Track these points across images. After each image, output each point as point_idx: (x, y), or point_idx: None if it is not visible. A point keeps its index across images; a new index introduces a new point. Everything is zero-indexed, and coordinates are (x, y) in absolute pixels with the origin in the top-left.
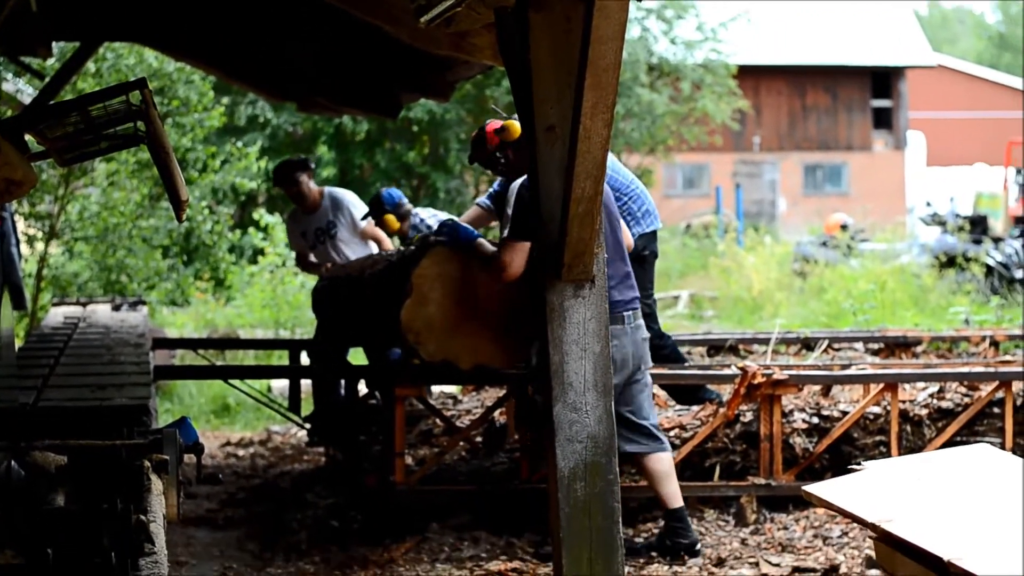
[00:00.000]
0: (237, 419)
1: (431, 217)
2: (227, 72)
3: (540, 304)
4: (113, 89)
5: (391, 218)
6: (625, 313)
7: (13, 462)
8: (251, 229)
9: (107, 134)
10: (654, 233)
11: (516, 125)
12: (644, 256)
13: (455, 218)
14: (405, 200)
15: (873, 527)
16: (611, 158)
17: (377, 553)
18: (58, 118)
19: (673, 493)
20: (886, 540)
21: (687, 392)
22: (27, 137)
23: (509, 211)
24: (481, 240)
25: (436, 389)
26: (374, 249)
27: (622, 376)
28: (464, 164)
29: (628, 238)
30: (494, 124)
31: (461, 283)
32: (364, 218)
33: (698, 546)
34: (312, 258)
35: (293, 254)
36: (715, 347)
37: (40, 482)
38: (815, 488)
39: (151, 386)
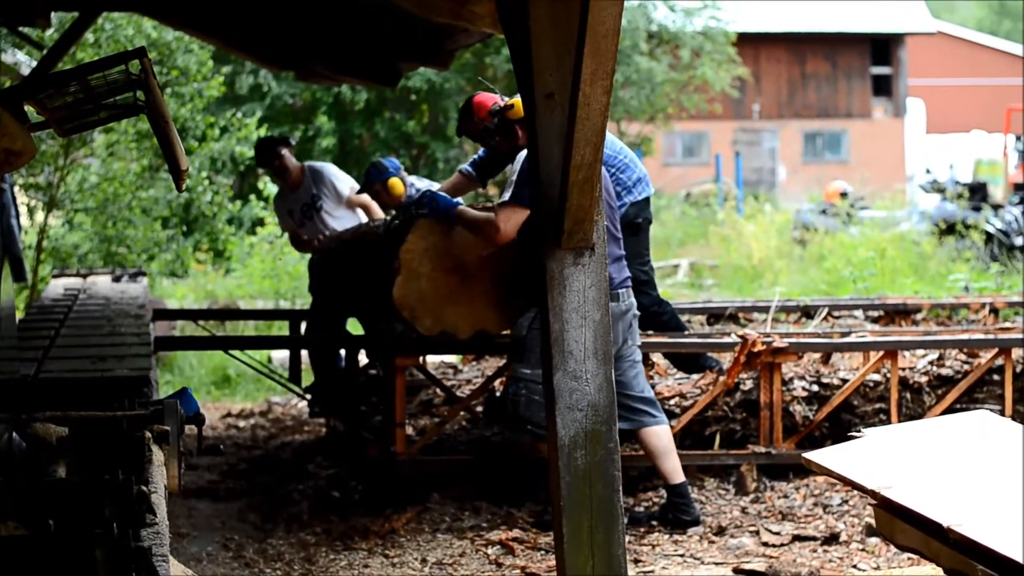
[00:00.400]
0: (238, 390)
1: (426, 188)
2: (226, 41)
3: (540, 272)
4: (112, 59)
5: (396, 182)
6: (620, 291)
7: (14, 434)
8: (252, 197)
9: (107, 104)
10: (647, 200)
11: (519, 103)
12: (638, 224)
13: (433, 188)
14: (402, 169)
15: (873, 494)
16: None
17: (378, 523)
18: (57, 88)
19: (673, 468)
20: (886, 507)
21: (688, 360)
22: (26, 107)
23: (513, 177)
24: (463, 208)
25: (436, 359)
26: (363, 218)
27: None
28: None
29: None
30: (482, 97)
31: (449, 253)
32: (364, 188)
33: (699, 522)
34: (304, 236)
35: (286, 236)
36: (715, 315)
37: (41, 453)
38: (815, 455)
39: (152, 357)
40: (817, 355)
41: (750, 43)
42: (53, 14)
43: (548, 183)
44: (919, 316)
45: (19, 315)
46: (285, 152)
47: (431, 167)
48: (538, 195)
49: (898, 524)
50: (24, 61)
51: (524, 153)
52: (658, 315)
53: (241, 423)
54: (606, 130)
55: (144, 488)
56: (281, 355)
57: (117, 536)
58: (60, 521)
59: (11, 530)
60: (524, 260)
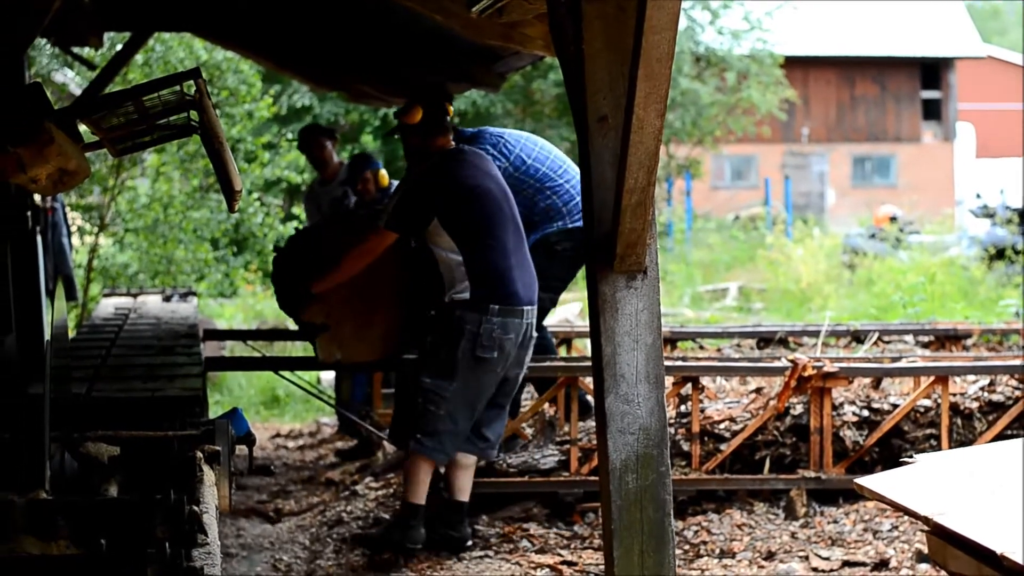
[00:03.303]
0: (287, 410)
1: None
2: (276, 61)
3: (592, 295)
4: (167, 79)
5: (384, 174)
6: (525, 308)
7: (66, 453)
8: (296, 223)
9: (160, 124)
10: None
11: (418, 109)
12: (556, 250)
13: None
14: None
15: (925, 520)
16: (546, 145)
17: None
18: (112, 108)
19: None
20: (938, 533)
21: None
22: (81, 127)
23: (395, 198)
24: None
25: None
26: None
27: (503, 369)
28: None
29: None
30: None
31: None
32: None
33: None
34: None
35: None
36: (765, 339)
37: (93, 472)
38: (867, 481)
39: (202, 377)
40: (867, 380)
41: (799, 66)
42: (105, 34)
43: (600, 206)
44: (969, 342)
45: (71, 334)
46: (328, 144)
47: None
48: (590, 218)
49: (951, 551)
50: (72, 79)
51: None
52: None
53: (290, 443)
54: (659, 153)
55: (196, 508)
56: (330, 376)
57: (169, 556)
58: (112, 540)
59: (63, 549)
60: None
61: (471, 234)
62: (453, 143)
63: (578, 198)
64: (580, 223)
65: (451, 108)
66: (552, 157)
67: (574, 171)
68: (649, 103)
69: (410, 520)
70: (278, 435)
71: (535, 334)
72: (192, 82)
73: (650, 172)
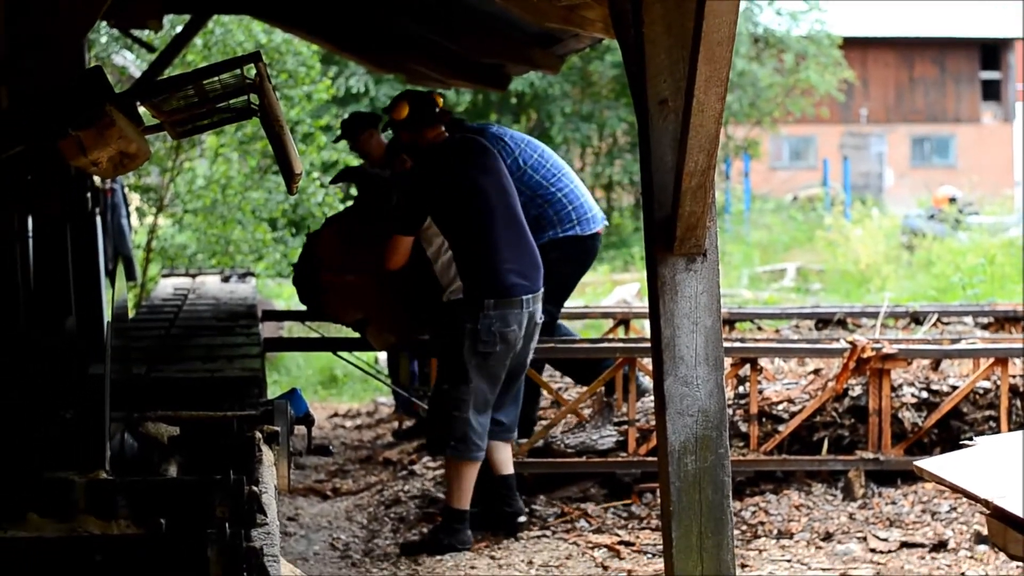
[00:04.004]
0: (344, 390)
1: None
2: (335, 43)
3: (651, 277)
4: (228, 63)
5: (381, 137)
6: (524, 297)
7: (126, 433)
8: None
9: (220, 107)
10: (575, 239)
11: (404, 104)
12: (548, 262)
13: None
14: None
15: (985, 503)
16: (542, 148)
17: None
18: (173, 91)
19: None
20: (998, 516)
21: (583, 369)
22: (141, 110)
23: (398, 203)
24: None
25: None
26: None
27: (512, 359)
28: (567, 137)
29: None
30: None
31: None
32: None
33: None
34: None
35: None
36: (823, 320)
37: (152, 453)
38: (927, 464)
39: (261, 358)
40: (927, 361)
41: (857, 47)
42: (165, 17)
43: (660, 189)
44: None
45: (130, 314)
46: (369, 132)
47: None
48: (649, 201)
49: (1011, 534)
50: (131, 61)
51: (400, 175)
52: None
53: (348, 423)
54: (719, 137)
55: (255, 488)
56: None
57: (229, 536)
58: (172, 520)
59: (123, 528)
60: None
61: (459, 229)
62: (446, 134)
63: (570, 207)
64: (572, 232)
65: (440, 100)
66: (548, 165)
67: (569, 179)
68: (710, 86)
69: (456, 524)
70: (336, 415)
71: (540, 321)
72: (252, 65)
73: (710, 155)
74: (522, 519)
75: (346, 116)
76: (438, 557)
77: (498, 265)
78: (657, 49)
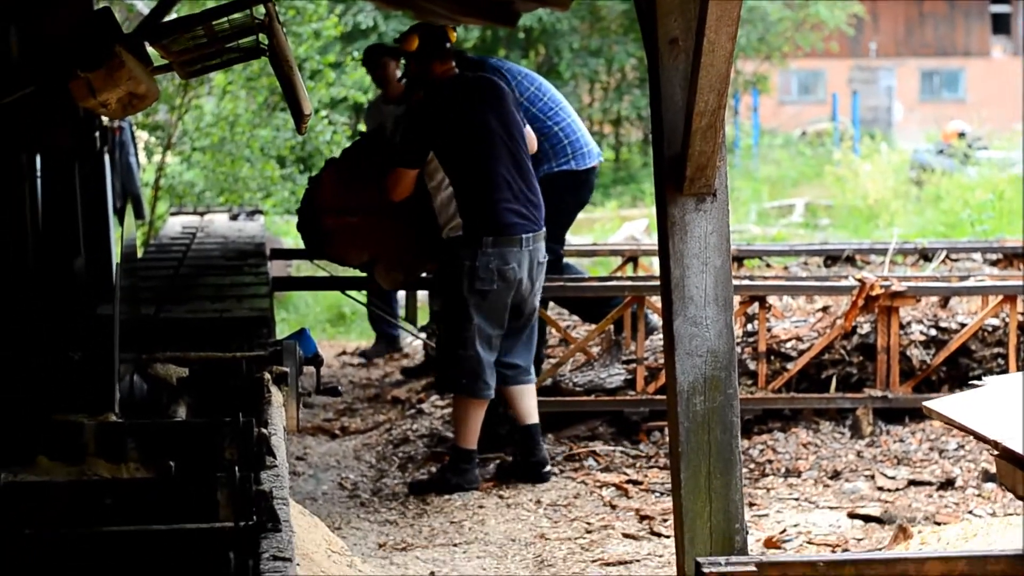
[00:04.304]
0: (353, 328)
1: None
2: None
3: (661, 217)
4: (238, 3)
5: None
6: (524, 236)
7: (135, 375)
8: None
9: (229, 47)
10: (570, 173)
11: (414, 37)
12: (543, 194)
13: None
14: None
15: (994, 444)
16: (540, 81)
17: (488, 463)
18: (182, 32)
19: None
20: (1007, 457)
21: (590, 308)
22: (149, 50)
23: (398, 137)
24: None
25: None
26: None
27: (511, 297)
28: (575, 72)
29: (532, 143)
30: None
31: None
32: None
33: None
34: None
35: None
36: (832, 257)
37: (161, 394)
38: (935, 404)
39: (270, 298)
40: (935, 299)
41: None
42: None
43: (670, 129)
44: None
45: (139, 253)
46: (391, 62)
47: None
48: (659, 141)
49: (1020, 475)
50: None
51: (402, 109)
52: None
53: (355, 361)
54: (730, 76)
55: (264, 430)
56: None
57: (239, 479)
58: (181, 462)
59: (132, 471)
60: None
61: (461, 164)
62: (456, 70)
63: (566, 141)
64: (567, 167)
65: (453, 35)
66: (545, 99)
67: (566, 113)
68: (721, 26)
69: (463, 464)
70: (344, 352)
71: (544, 260)
72: (261, 6)
73: (720, 95)
74: (547, 469)
75: (368, 46)
76: (446, 496)
77: (497, 203)
78: None
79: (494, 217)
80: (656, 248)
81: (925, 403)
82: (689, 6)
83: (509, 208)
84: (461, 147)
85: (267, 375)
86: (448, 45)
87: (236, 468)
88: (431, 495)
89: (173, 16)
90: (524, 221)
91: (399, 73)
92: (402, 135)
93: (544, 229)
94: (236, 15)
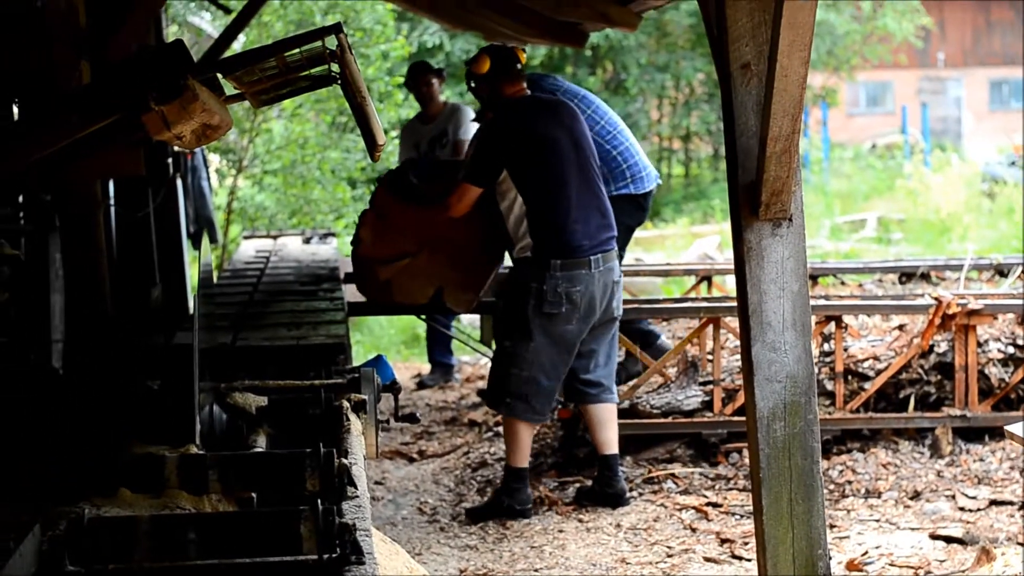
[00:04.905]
0: (426, 350)
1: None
2: (412, 2)
3: (737, 243)
4: (310, 34)
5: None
6: (592, 257)
7: (215, 405)
8: None
9: (302, 76)
10: (628, 196)
11: (485, 58)
12: None
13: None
14: None
15: None
16: (597, 103)
17: (568, 487)
18: (255, 64)
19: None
20: None
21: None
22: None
23: (470, 152)
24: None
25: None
26: None
27: (581, 320)
28: (643, 88)
29: None
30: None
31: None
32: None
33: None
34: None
35: None
36: (907, 274)
37: (240, 424)
38: (1017, 428)
39: (346, 323)
40: (1012, 315)
41: None
42: None
43: (744, 154)
44: None
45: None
46: (434, 81)
47: None
48: (733, 166)
49: None
50: (207, 20)
51: (476, 127)
52: None
53: (431, 382)
54: (803, 100)
55: (345, 460)
56: (471, 316)
57: (322, 512)
58: (263, 494)
59: (214, 504)
60: (478, 233)
61: (534, 184)
62: (527, 91)
63: (624, 165)
64: (625, 191)
65: (523, 56)
66: (603, 122)
67: (624, 137)
68: (793, 51)
69: (514, 483)
70: (419, 374)
71: (619, 279)
72: (334, 37)
73: (795, 120)
74: (626, 497)
75: (412, 63)
76: (525, 520)
77: (567, 224)
78: (738, 13)
79: (563, 239)
80: (730, 267)
81: (1008, 428)
82: (760, 31)
83: (579, 229)
84: (532, 167)
85: (346, 403)
86: (519, 66)
87: (319, 500)
88: (508, 520)
89: (240, 38)
90: (594, 242)
91: (440, 93)
92: (474, 153)
93: (616, 248)
94: (309, 47)
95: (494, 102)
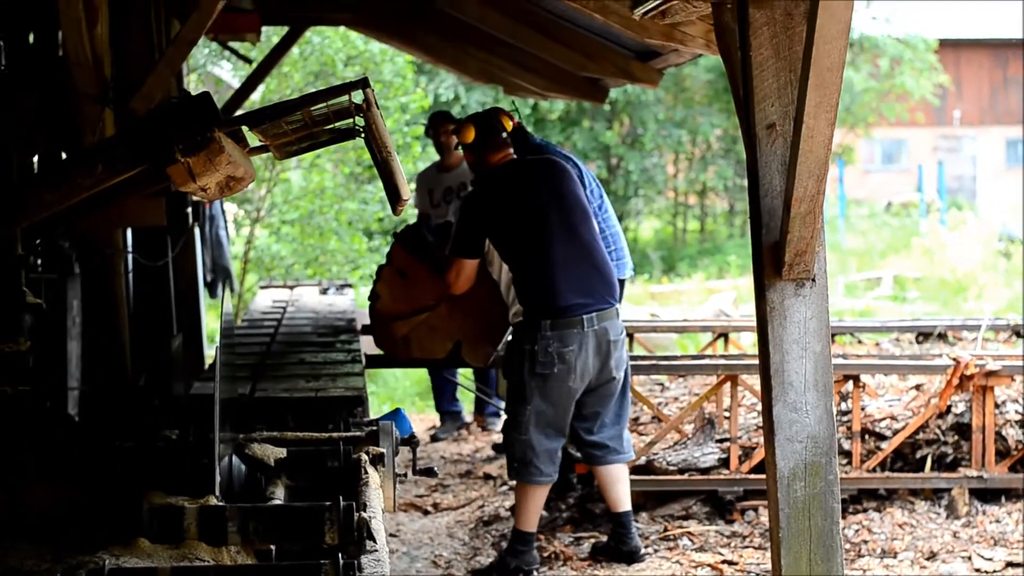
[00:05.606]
0: None
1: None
2: (433, 55)
3: (759, 302)
4: (336, 89)
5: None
6: (585, 316)
7: (234, 456)
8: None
9: (326, 129)
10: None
11: (470, 127)
12: None
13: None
14: None
15: None
16: (596, 184)
17: (587, 542)
18: (281, 117)
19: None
20: None
21: None
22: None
23: (455, 225)
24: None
25: (643, 376)
26: None
27: (578, 380)
28: (659, 143)
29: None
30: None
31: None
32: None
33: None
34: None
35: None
36: (924, 334)
37: (259, 475)
38: None
39: (363, 375)
40: None
41: (950, 48)
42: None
43: (768, 214)
44: None
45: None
46: (445, 127)
47: (626, 177)
48: (757, 225)
49: None
50: (227, 71)
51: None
52: None
53: (444, 435)
54: (828, 161)
55: (364, 514)
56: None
57: (343, 567)
58: (281, 547)
59: (233, 556)
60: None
61: (515, 249)
62: (512, 155)
63: (612, 248)
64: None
65: (509, 123)
66: (601, 200)
67: (614, 221)
68: (820, 112)
69: (520, 546)
70: (434, 427)
71: (617, 338)
72: (361, 91)
73: (820, 180)
74: (640, 554)
75: (433, 112)
76: (540, 575)
77: (553, 285)
78: (765, 73)
79: (550, 300)
80: (746, 324)
81: None
82: (787, 91)
83: (568, 289)
84: (512, 232)
85: (364, 456)
86: (504, 134)
87: (339, 554)
88: None
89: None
90: (586, 300)
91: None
92: (456, 225)
93: (615, 306)
94: (335, 101)
95: (480, 170)
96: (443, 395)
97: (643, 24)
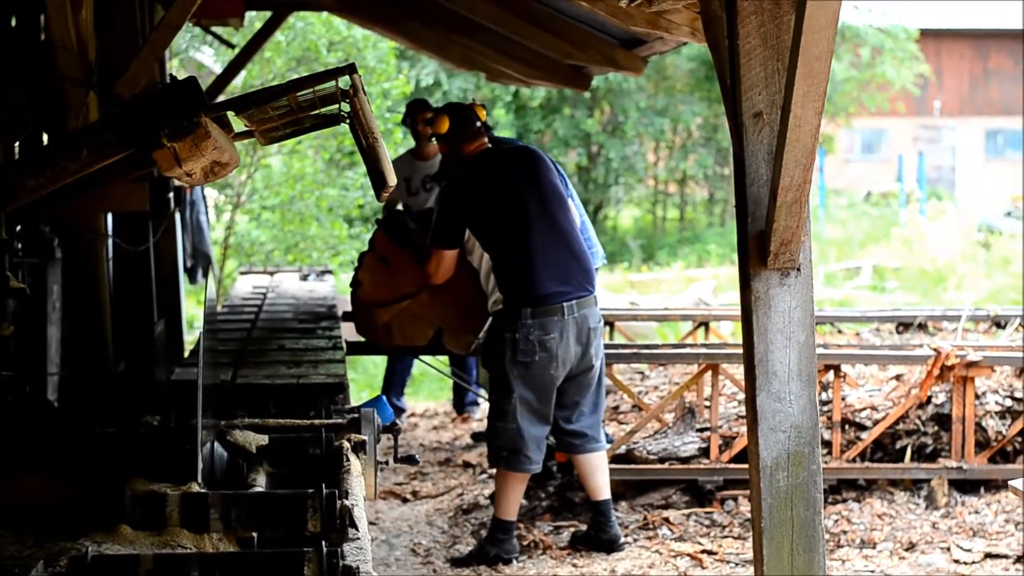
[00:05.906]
0: (421, 389)
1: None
2: (416, 41)
3: (744, 291)
4: (323, 75)
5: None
6: (565, 303)
7: (215, 443)
8: None
9: (312, 114)
10: None
11: (444, 118)
12: None
13: None
14: None
15: None
16: (564, 178)
17: (566, 531)
18: (268, 102)
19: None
20: None
21: None
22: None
23: (435, 216)
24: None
25: (623, 365)
26: None
27: (558, 368)
28: (640, 131)
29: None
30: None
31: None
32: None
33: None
34: (399, 206)
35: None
36: (904, 324)
37: (240, 462)
38: (1020, 484)
39: (345, 362)
40: (1010, 368)
41: (932, 39)
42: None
43: (754, 202)
44: None
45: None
46: (422, 115)
47: (606, 165)
48: (743, 214)
49: None
50: (209, 56)
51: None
52: None
53: (423, 423)
54: (815, 150)
55: (346, 502)
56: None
57: (326, 554)
58: (263, 534)
59: (215, 543)
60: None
61: (493, 238)
62: (487, 145)
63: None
64: None
65: (483, 112)
66: (571, 190)
67: (582, 211)
68: (807, 101)
69: (500, 535)
70: (413, 415)
71: (596, 325)
72: (348, 77)
73: (806, 170)
74: (620, 543)
75: (410, 100)
76: (520, 565)
77: (532, 273)
78: (752, 62)
79: (531, 288)
80: (727, 313)
81: (1011, 483)
82: (774, 80)
83: (547, 276)
84: (491, 221)
85: (346, 443)
86: (478, 124)
87: (322, 542)
88: (502, 565)
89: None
90: (565, 288)
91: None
92: (435, 216)
93: (594, 294)
94: (322, 87)
95: (455, 161)
96: (392, 386)
97: (629, 12)
